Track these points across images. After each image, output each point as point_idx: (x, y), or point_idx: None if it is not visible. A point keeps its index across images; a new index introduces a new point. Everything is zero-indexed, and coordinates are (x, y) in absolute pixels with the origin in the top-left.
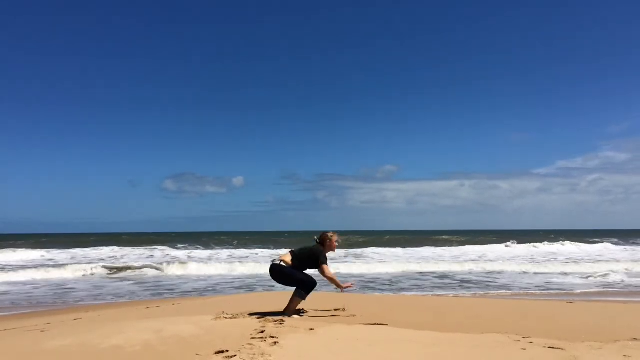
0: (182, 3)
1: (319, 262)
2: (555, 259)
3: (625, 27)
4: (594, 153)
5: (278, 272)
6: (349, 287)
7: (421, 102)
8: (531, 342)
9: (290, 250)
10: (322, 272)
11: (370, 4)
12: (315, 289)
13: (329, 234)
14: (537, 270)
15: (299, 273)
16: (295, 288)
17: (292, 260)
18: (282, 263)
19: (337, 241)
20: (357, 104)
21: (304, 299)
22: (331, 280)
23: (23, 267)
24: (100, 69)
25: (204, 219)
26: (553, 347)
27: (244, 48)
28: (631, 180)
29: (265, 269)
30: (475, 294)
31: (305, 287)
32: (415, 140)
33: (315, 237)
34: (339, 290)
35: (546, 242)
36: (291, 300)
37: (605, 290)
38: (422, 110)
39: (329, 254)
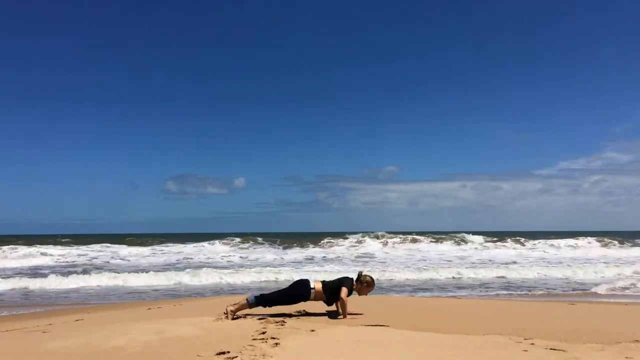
0: (182, 4)
1: (342, 285)
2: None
3: (629, 26)
4: (596, 154)
5: (298, 286)
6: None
7: (423, 103)
8: (532, 344)
9: (323, 280)
10: (340, 292)
11: (372, 3)
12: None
13: (367, 278)
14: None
15: (293, 296)
16: (253, 294)
17: (322, 287)
18: (313, 286)
19: (369, 287)
20: (358, 104)
21: (250, 307)
22: (342, 302)
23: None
24: (100, 69)
25: (206, 220)
26: (554, 349)
27: (245, 48)
28: (634, 182)
29: (264, 274)
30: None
31: (264, 300)
32: (417, 141)
33: (360, 272)
34: (341, 316)
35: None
36: (241, 302)
37: None
38: (424, 111)
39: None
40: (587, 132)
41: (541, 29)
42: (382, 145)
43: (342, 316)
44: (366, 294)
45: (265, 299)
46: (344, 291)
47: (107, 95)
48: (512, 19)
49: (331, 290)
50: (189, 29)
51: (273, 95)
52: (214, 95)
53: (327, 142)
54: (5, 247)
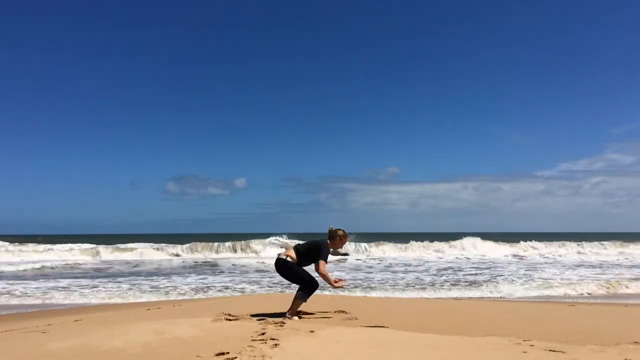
0: (182, 5)
1: (318, 256)
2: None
3: (630, 28)
4: (597, 155)
5: (281, 267)
6: (341, 285)
7: (424, 104)
8: (532, 345)
9: (295, 245)
10: (317, 267)
11: (373, 4)
12: (317, 291)
13: (339, 232)
14: None
15: (300, 272)
16: (297, 289)
17: (296, 255)
18: (288, 258)
19: (343, 239)
20: (359, 105)
21: (305, 301)
22: (324, 277)
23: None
24: (102, 70)
25: (207, 220)
26: (554, 350)
27: (246, 49)
28: (635, 183)
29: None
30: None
31: (306, 288)
32: (418, 142)
33: (330, 228)
34: (331, 287)
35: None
36: (293, 302)
37: None
38: (425, 112)
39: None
40: (588, 133)
41: (542, 32)
42: (383, 146)
43: (331, 287)
44: (342, 247)
45: (304, 287)
46: (322, 267)
47: (108, 97)
48: (513, 22)
49: (304, 256)
50: (189, 36)
51: (274, 98)
52: (215, 98)
53: (329, 143)
54: None
